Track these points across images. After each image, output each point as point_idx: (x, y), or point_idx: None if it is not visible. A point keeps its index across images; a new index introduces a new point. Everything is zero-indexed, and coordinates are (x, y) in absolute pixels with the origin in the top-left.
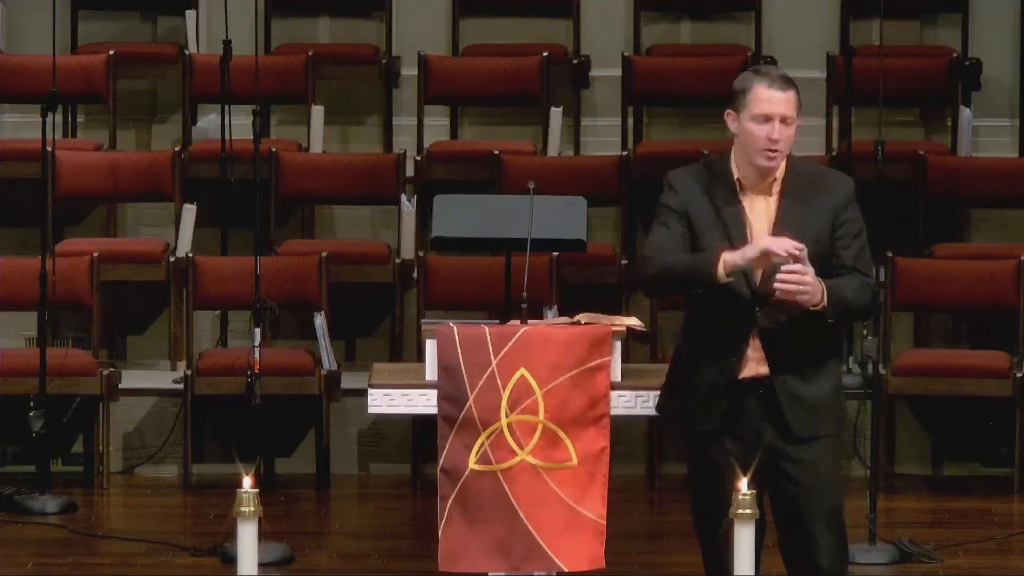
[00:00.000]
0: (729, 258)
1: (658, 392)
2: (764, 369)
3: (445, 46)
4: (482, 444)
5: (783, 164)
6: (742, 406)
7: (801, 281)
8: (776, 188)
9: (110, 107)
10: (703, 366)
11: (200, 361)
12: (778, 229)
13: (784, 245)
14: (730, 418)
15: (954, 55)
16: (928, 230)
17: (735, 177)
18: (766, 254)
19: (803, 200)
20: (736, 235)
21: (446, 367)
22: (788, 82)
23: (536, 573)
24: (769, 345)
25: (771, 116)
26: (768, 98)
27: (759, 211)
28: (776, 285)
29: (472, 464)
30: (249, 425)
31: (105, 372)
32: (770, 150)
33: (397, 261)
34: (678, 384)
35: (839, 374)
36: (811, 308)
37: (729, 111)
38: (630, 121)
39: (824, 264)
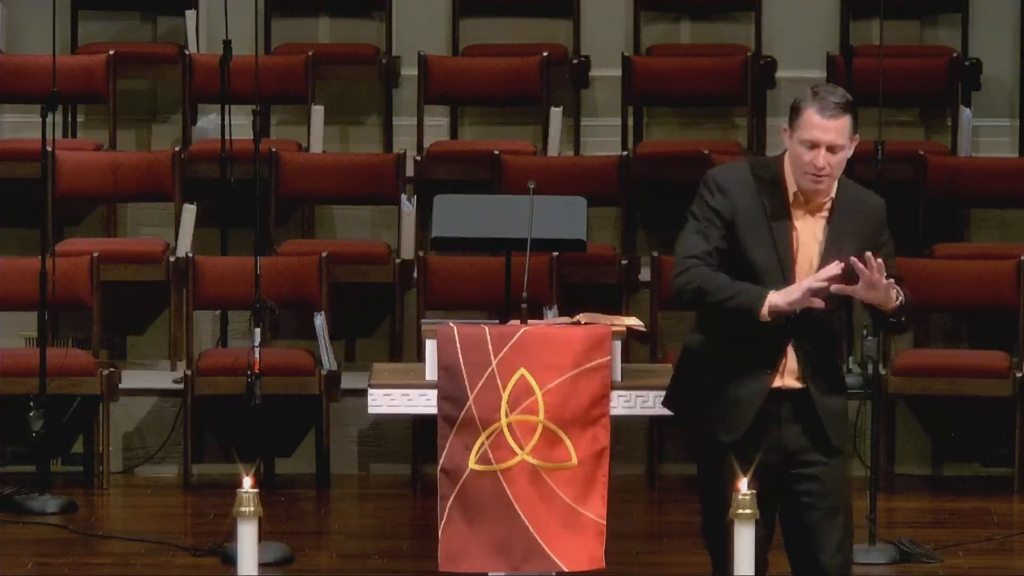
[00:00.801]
0: (775, 301)
1: (659, 392)
2: (795, 381)
3: (445, 46)
4: (482, 444)
5: (840, 174)
6: (768, 415)
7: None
8: (827, 207)
9: (110, 107)
10: (733, 375)
11: (200, 361)
12: (828, 253)
13: (823, 276)
14: (755, 427)
15: (954, 55)
16: (928, 230)
17: (792, 191)
18: (808, 294)
19: (848, 224)
20: (784, 255)
21: (446, 367)
22: (842, 108)
23: (536, 573)
24: (803, 357)
25: (817, 143)
26: (817, 125)
27: (809, 231)
28: (866, 291)
29: (472, 464)
30: (249, 425)
31: (105, 372)
32: (815, 175)
33: (397, 261)
34: (700, 389)
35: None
36: (884, 307)
37: (785, 127)
38: (630, 121)
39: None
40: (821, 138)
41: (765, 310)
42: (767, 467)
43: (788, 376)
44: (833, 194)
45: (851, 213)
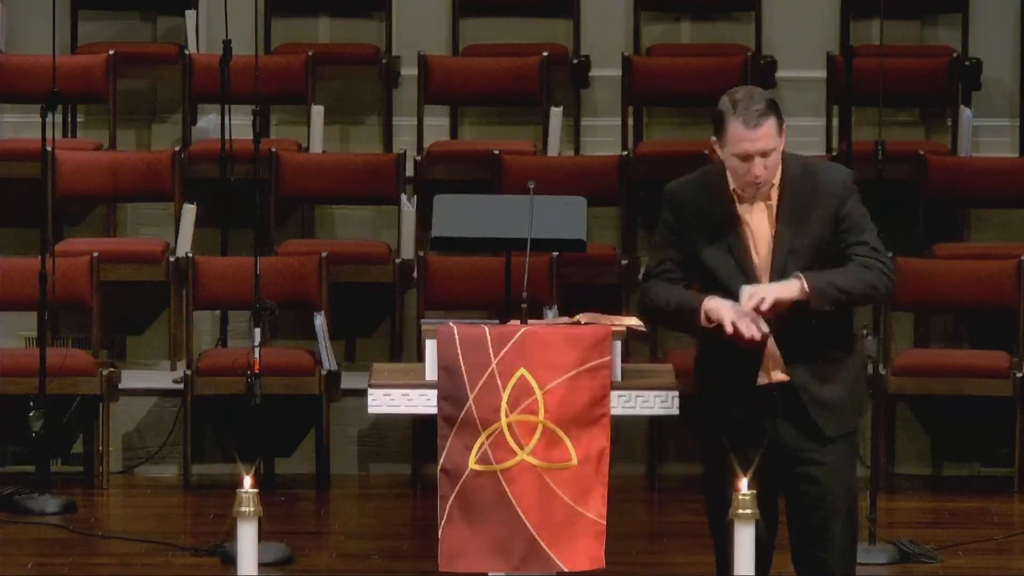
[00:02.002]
0: (709, 307)
1: (659, 392)
2: (782, 375)
3: (445, 46)
4: (482, 444)
5: (778, 168)
6: (761, 411)
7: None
8: (774, 193)
9: (110, 107)
10: (722, 373)
11: (200, 361)
12: (780, 239)
13: (749, 304)
14: (749, 423)
15: (954, 55)
16: (928, 230)
17: (731, 188)
18: (742, 316)
19: (801, 207)
20: (737, 248)
21: (446, 367)
22: (765, 113)
23: (536, 573)
24: (786, 350)
25: (750, 155)
26: (745, 137)
27: (759, 218)
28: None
29: (472, 464)
30: (249, 425)
31: (105, 372)
32: (755, 183)
33: (397, 261)
34: (699, 391)
35: (856, 368)
36: (798, 303)
37: (713, 138)
38: (630, 121)
39: (834, 262)
40: (752, 149)
41: (703, 318)
42: (768, 465)
43: (775, 371)
44: (777, 178)
45: (805, 197)
